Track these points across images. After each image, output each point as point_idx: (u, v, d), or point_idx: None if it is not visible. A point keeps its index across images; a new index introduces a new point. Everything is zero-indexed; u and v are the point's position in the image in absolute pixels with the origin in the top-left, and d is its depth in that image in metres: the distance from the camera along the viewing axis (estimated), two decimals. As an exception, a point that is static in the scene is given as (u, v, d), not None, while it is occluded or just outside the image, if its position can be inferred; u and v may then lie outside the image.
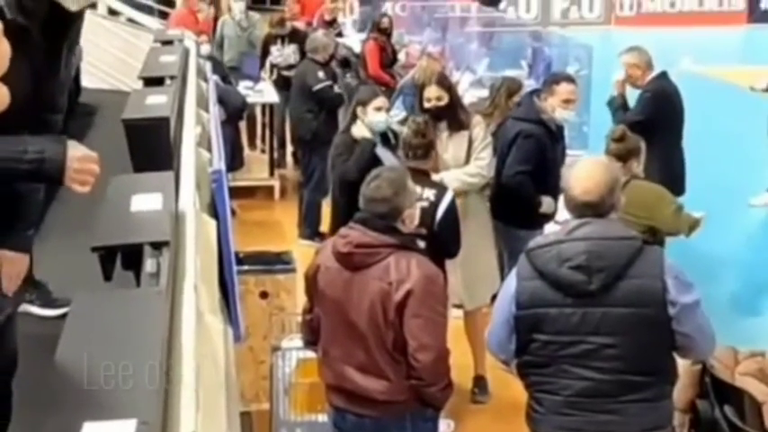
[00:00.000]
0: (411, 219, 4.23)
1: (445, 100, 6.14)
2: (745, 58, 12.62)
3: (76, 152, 2.72)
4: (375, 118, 6.38)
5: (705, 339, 3.77)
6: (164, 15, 15.10)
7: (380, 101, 6.52)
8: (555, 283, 3.71)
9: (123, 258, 2.45)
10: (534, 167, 6.32)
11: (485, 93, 8.38)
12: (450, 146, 6.10)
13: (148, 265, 2.27)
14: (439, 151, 5.94)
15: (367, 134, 6.34)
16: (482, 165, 6.11)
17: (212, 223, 3.34)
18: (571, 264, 3.66)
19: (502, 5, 20.99)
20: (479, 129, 6.18)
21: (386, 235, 4.08)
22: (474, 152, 6.10)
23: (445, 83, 6.34)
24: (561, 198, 7.41)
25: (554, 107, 6.44)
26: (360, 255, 4.07)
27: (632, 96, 7.77)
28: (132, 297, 2.09)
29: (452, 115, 6.14)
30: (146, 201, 2.69)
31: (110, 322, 1.89)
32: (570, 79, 6.85)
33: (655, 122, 7.13)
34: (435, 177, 5.66)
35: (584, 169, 3.87)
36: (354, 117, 6.50)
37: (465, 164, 6.10)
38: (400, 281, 3.99)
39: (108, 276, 2.45)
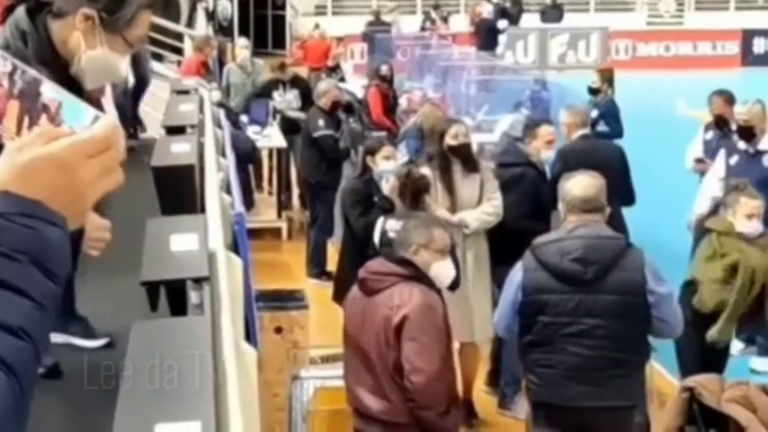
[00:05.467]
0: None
1: (468, 137, 6.56)
2: (739, 100, 13.01)
3: (93, 221, 2.89)
4: (386, 167, 6.70)
5: (677, 323, 4.56)
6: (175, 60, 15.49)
7: (387, 150, 6.90)
8: (556, 273, 4.43)
9: (168, 292, 2.79)
10: (531, 208, 6.57)
11: (484, 137, 8.72)
12: (463, 188, 6.43)
13: (193, 297, 2.61)
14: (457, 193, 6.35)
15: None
16: (497, 204, 6.42)
17: (239, 261, 3.67)
18: (571, 257, 4.39)
19: (499, 50, 21.44)
20: (488, 172, 6.55)
21: (399, 266, 4.47)
22: (486, 193, 6.43)
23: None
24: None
25: (539, 149, 6.78)
26: (371, 280, 4.50)
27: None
28: (183, 324, 2.42)
29: (470, 154, 6.53)
30: (183, 240, 3.02)
31: (168, 341, 2.21)
32: (548, 122, 7.25)
33: None
34: (455, 217, 6.04)
35: (583, 180, 4.63)
36: (366, 165, 6.86)
37: (478, 204, 6.41)
38: (400, 305, 4.36)
39: (154, 307, 2.78)
